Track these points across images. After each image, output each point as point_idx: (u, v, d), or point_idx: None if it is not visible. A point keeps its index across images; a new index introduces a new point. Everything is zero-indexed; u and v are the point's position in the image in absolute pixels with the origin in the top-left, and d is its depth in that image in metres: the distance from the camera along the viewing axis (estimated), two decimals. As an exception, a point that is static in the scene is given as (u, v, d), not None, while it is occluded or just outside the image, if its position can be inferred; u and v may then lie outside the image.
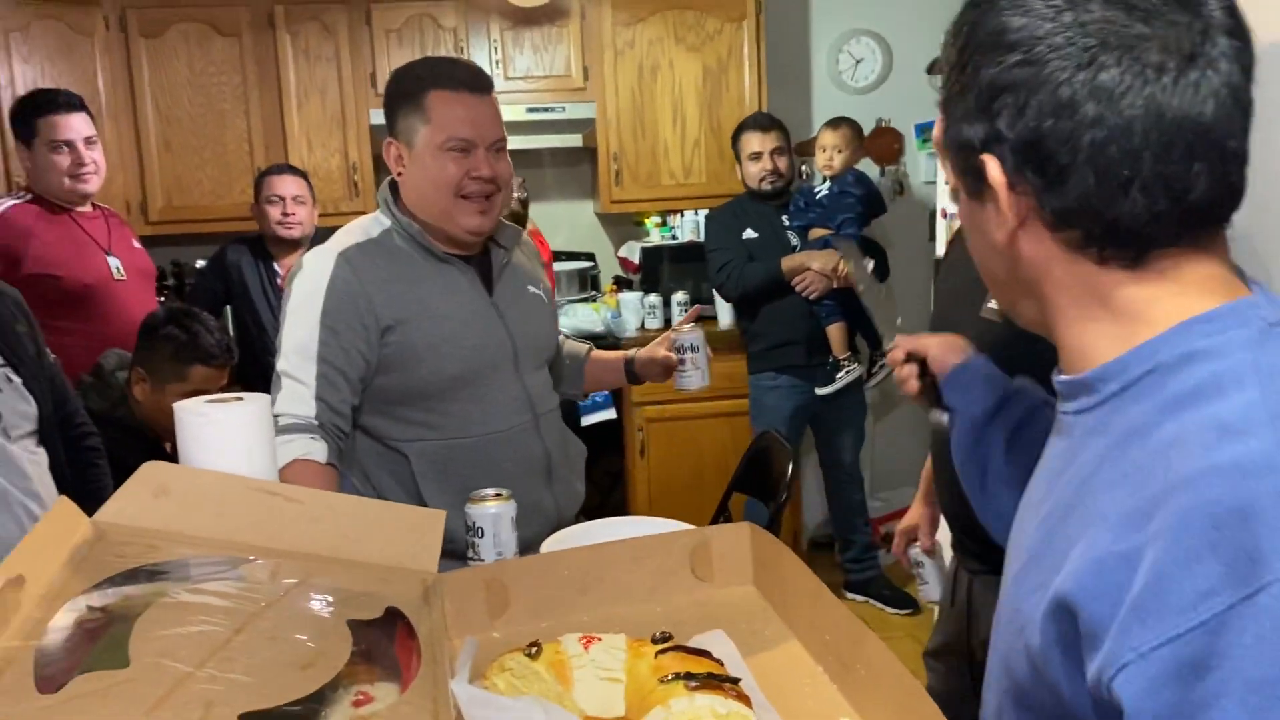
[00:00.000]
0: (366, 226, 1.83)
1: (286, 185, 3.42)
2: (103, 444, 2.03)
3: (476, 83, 1.76)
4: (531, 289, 1.95)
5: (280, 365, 1.74)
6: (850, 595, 3.88)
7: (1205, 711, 0.61)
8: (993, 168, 0.74)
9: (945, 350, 1.30)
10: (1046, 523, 0.78)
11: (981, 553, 1.62)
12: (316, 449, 1.67)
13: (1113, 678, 0.64)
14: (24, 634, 0.99)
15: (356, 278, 1.73)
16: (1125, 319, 0.75)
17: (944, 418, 1.31)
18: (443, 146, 1.74)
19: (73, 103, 2.89)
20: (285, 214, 3.39)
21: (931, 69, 1.64)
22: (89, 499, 1.46)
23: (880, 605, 3.84)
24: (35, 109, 2.86)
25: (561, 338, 2.13)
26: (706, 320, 4.34)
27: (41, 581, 1.05)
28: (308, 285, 1.74)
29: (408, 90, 1.77)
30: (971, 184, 0.78)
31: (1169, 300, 0.74)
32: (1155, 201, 0.70)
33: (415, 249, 1.80)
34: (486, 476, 1.75)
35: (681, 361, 1.97)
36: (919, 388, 1.32)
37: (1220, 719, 0.60)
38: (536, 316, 1.94)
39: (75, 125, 2.85)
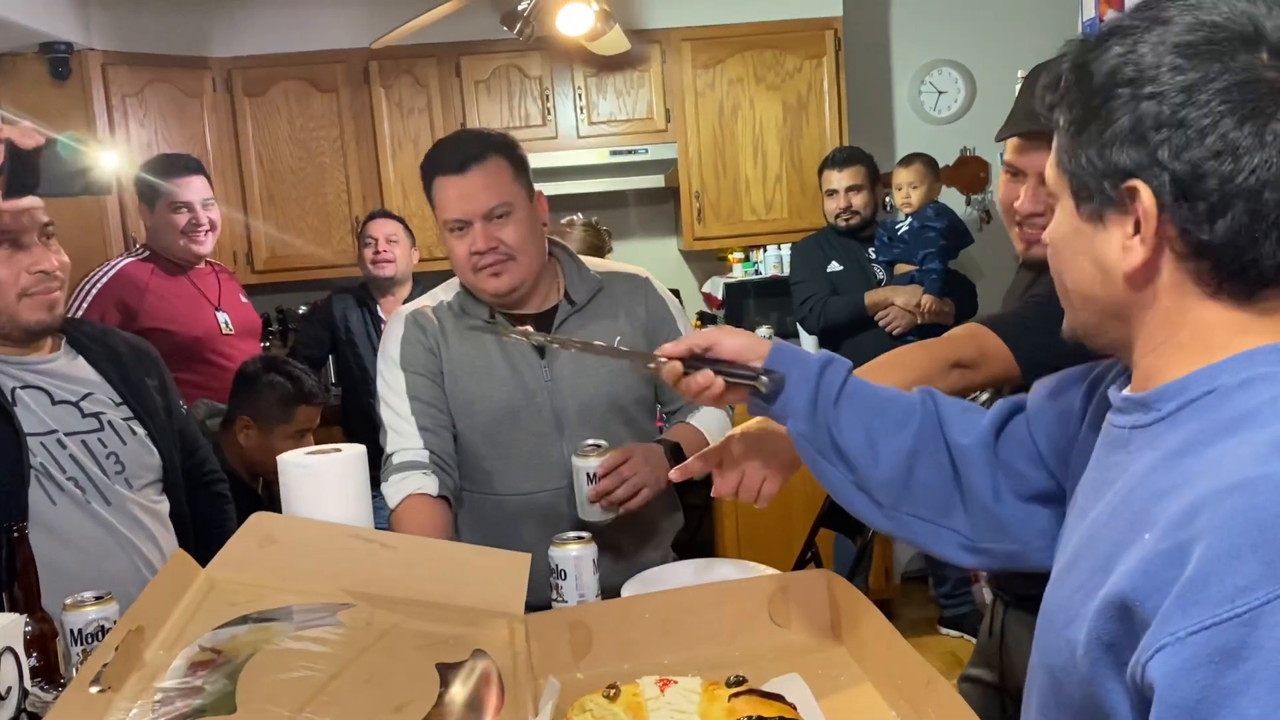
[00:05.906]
0: (442, 290, 1.94)
1: (380, 227, 3.61)
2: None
3: (455, 162, 1.79)
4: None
5: (381, 413, 1.86)
6: (945, 631, 3.82)
7: (1234, 699, 0.64)
8: (1145, 194, 0.78)
9: (732, 334, 1.18)
10: (1092, 527, 0.82)
11: (1010, 583, 1.63)
12: (429, 483, 1.75)
13: (1149, 660, 0.67)
14: (145, 680, 1.07)
15: (421, 332, 1.86)
16: (1211, 349, 0.78)
17: (770, 406, 1.15)
18: (448, 229, 1.82)
19: (192, 166, 3.04)
20: (377, 253, 3.59)
21: (1000, 136, 1.58)
22: (217, 543, 1.56)
23: (975, 641, 3.78)
24: (158, 172, 3.01)
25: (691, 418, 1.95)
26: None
27: (160, 630, 1.14)
28: (387, 343, 1.89)
29: (425, 181, 1.85)
30: (1095, 207, 0.81)
31: (1258, 334, 0.78)
32: None
33: (464, 313, 1.88)
34: (506, 536, 1.77)
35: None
36: (724, 386, 1.16)
37: (1249, 706, 0.63)
38: (596, 379, 1.86)
39: (194, 187, 2.99)
